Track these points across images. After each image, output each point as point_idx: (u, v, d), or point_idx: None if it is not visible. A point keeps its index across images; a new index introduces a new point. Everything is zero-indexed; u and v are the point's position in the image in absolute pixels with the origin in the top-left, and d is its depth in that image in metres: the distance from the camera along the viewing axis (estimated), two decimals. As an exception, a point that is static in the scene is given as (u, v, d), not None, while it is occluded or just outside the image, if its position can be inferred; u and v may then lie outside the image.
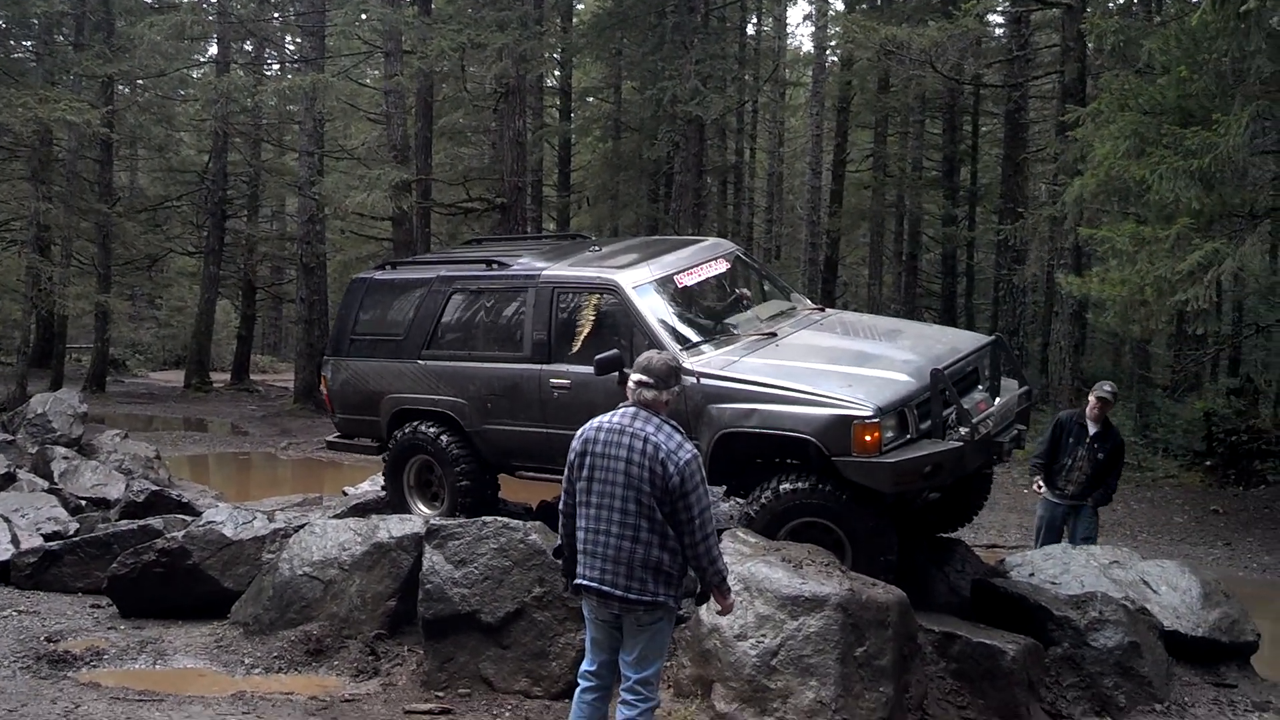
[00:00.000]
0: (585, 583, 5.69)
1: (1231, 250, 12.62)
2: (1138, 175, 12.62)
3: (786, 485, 7.77)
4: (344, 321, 10.07)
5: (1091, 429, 10.12)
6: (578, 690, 5.84)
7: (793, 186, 41.89)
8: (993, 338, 9.00)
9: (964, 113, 31.61)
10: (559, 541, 6.00)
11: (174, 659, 8.60)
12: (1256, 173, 14.74)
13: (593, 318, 8.64)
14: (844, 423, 7.44)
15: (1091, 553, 9.24)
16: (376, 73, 31.99)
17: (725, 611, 6.01)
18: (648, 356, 5.80)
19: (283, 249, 36.13)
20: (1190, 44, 12.78)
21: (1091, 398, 10.18)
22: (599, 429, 5.72)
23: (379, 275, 10.14)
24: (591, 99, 35.25)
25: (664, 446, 5.54)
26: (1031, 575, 8.87)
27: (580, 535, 5.72)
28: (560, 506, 5.92)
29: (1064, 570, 8.84)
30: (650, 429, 5.60)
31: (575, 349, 8.63)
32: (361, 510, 9.83)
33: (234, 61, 32.46)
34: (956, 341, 8.78)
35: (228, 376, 34.32)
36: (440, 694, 7.68)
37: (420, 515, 9.47)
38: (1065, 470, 10.17)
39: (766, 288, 9.66)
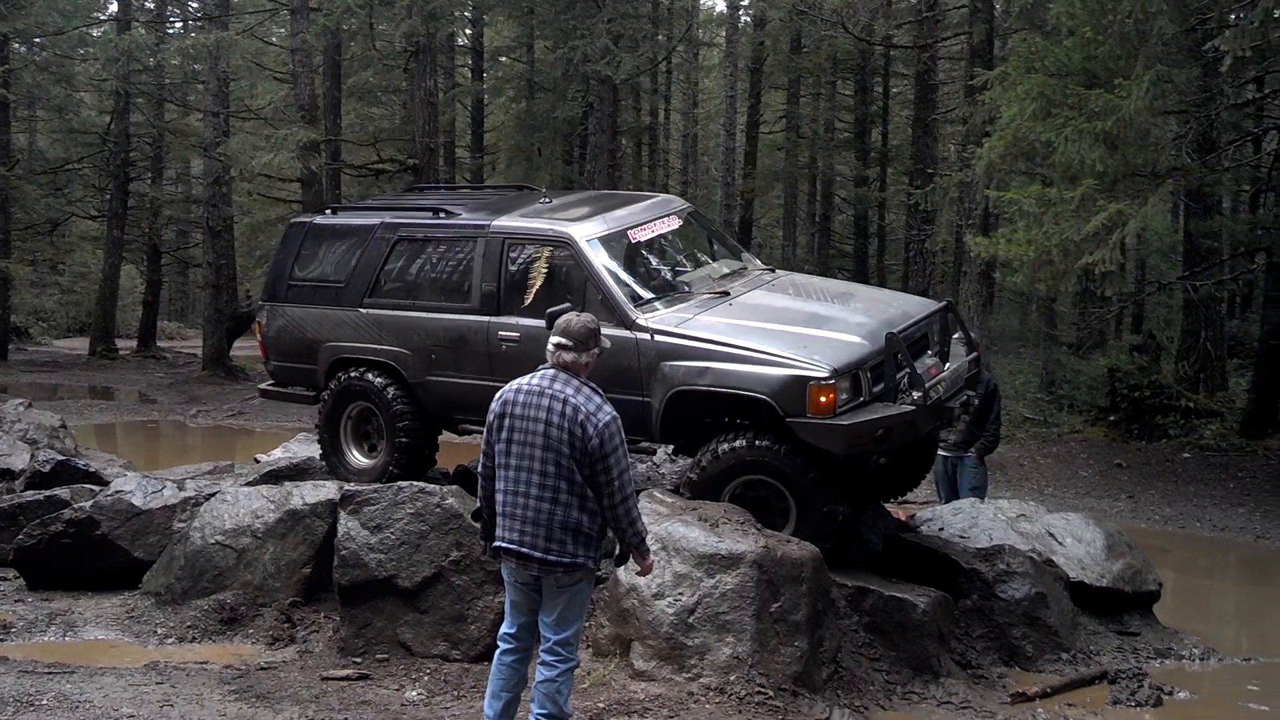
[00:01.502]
0: (504, 545, 5.68)
1: (1135, 211, 12.90)
2: (1044, 137, 12.83)
3: (740, 442, 7.73)
4: (281, 266, 9.79)
5: None
6: (497, 653, 5.85)
7: (707, 148, 41.90)
8: (943, 303, 9.03)
9: (875, 74, 31.86)
10: (477, 504, 5.99)
11: (84, 630, 8.48)
12: (1158, 133, 15.05)
13: (545, 270, 8.52)
14: (799, 383, 7.45)
15: (999, 506, 9.46)
16: (283, 30, 31.32)
17: (645, 572, 6.05)
18: (566, 319, 5.78)
19: (188, 212, 35.39)
20: (1096, 5, 12.99)
21: None
22: (518, 391, 5.71)
23: (319, 220, 9.90)
24: (504, 58, 34.84)
25: (583, 409, 5.55)
26: (941, 530, 9.05)
27: (499, 498, 5.71)
28: (479, 469, 5.90)
29: (973, 524, 9.03)
30: (570, 391, 5.60)
31: (526, 302, 8.51)
32: (274, 477, 9.69)
33: (135, 19, 31.52)
34: (908, 306, 8.84)
35: (134, 343, 33.59)
36: (358, 660, 7.66)
37: (355, 465, 9.33)
38: None
39: (716, 247, 9.63)
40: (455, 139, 33.02)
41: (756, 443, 7.67)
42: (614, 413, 5.62)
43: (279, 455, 10.82)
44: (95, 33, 34.88)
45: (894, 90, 33.81)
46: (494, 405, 5.76)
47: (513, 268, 8.67)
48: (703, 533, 7.34)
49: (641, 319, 8.04)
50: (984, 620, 8.31)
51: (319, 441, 9.73)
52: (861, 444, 7.59)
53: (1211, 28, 13.98)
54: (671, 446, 8.65)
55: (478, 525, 6.09)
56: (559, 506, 5.58)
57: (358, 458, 9.45)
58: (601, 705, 6.72)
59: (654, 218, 9.11)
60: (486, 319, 8.66)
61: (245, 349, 28.70)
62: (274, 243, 30.42)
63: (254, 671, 7.54)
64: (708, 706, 6.68)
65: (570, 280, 8.41)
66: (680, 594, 7.13)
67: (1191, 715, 7.66)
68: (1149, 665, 8.40)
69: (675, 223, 9.25)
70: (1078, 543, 9.23)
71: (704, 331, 7.94)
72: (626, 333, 8.01)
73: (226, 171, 26.03)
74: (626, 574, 7.12)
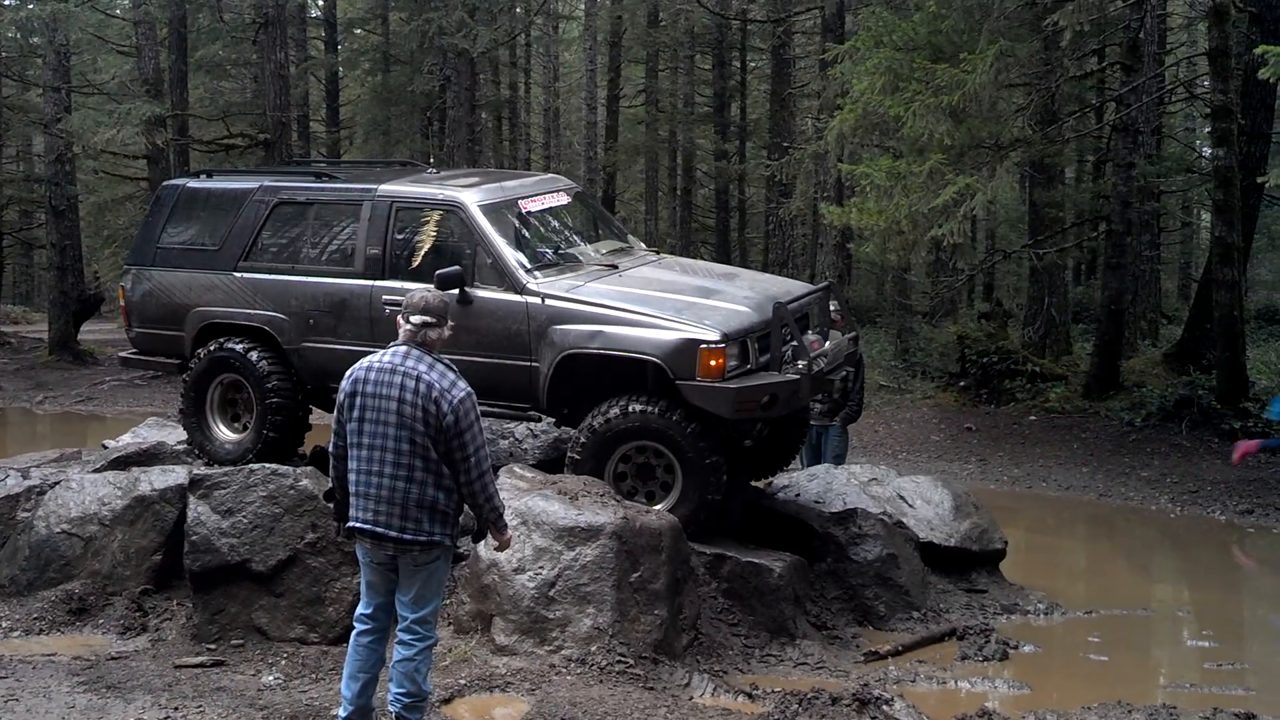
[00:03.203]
0: (359, 525, 5.64)
1: (982, 184, 13.29)
2: (893, 111, 13.11)
3: (631, 407, 7.78)
4: (150, 229, 9.52)
5: None
6: (354, 633, 5.80)
7: (569, 122, 41.71)
8: (825, 284, 9.33)
9: (732, 48, 32.07)
10: (330, 485, 5.92)
11: (-79, 628, 8.14)
12: (1004, 105, 15.50)
13: (434, 234, 8.51)
14: (690, 346, 7.60)
15: (852, 472, 9.70)
16: (125, 2, 30.23)
17: (502, 548, 6.06)
18: (423, 295, 5.75)
19: (30, 191, 33.98)
20: (941, -20, 13.33)
21: None
22: (369, 369, 5.66)
23: (193, 183, 9.68)
24: (359, 30, 34.18)
25: (437, 385, 5.52)
26: (797, 496, 9.24)
27: (352, 477, 5.66)
28: (331, 449, 5.84)
29: (827, 489, 9.24)
30: (423, 368, 5.57)
31: (413, 266, 8.48)
32: (123, 463, 9.39)
33: (-35, -11, 30.10)
34: (790, 286, 9.09)
35: (-26, 328, 32.20)
36: (212, 646, 7.53)
37: (222, 440, 9.04)
38: None
39: (601, 229, 9.66)
40: (310, 113, 32.34)
41: (646, 408, 7.77)
42: (468, 388, 5.61)
43: (128, 440, 10.49)
44: (-78, 4, 33.19)
45: (751, 65, 34.10)
46: (344, 384, 5.71)
47: (400, 232, 8.61)
48: (562, 506, 7.39)
49: (532, 284, 8.11)
50: (838, 582, 8.54)
51: (181, 415, 9.39)
52: (748, 409, 7.74)
53: (1050, 2, 14.43)
54: (539, 421, 8.69)
55: (331, 506, 6.02)
56: (414, 484, 5.55)
57: (225, 433, 9.14)
58: (463, 681, 6.73)
59: (543, 192, 9.19)
60: (370, 283, 8.55)
61: (93, 332, 27.76)
62: (121, 222, 29.55)
63: (104, 662, 7.36)
64: (569, 678, 6.74)
65: (460, 246, 8.42)
66: (541, 567, 7.17)
67: (1036, 668, 7.97)
68: (996, 621, 8.72)
69: (564, 199, 9.34)
70: (927, 504, 9.54)
71: (596, 297, 8.06)
72: (516, 297, 8.10)
73: (69, 149, 25.05)
74: (487, 550, 7.13)
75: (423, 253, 8.49)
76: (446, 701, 6.50)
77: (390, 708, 5.70)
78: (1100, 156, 23.38)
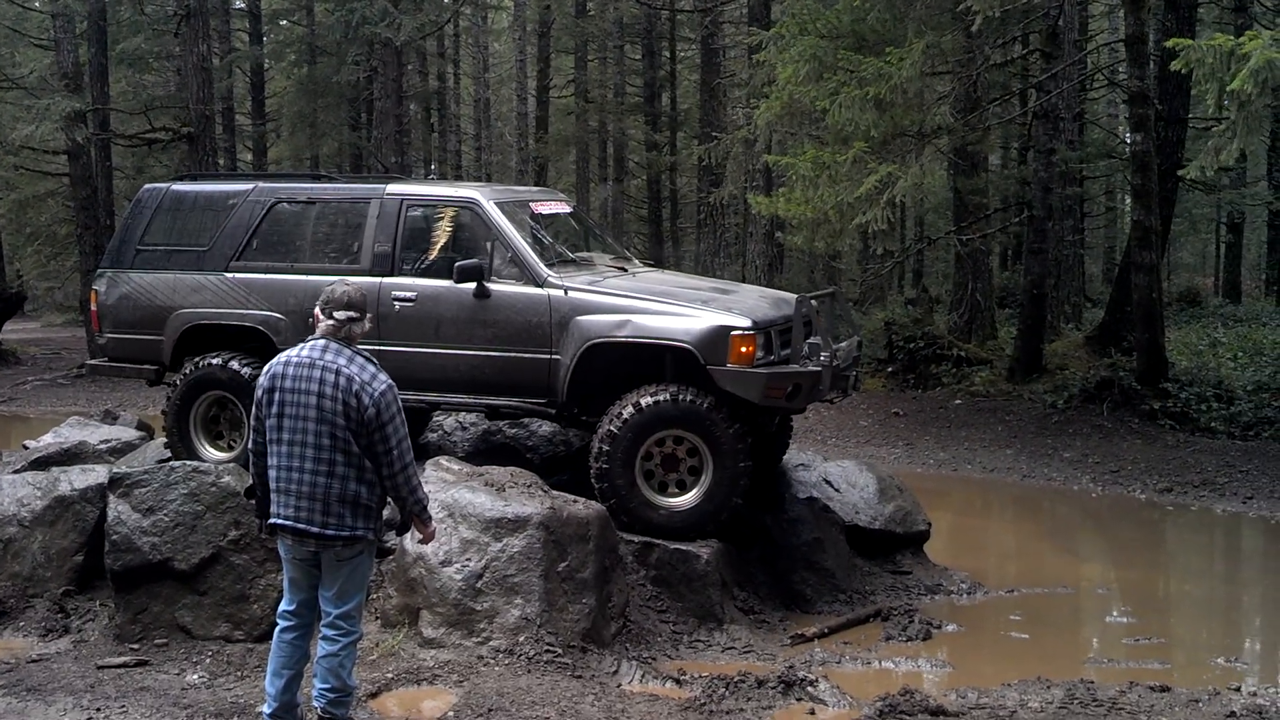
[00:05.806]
0: (280, 521, 5.59)
1: (903, 173, 13.44)
2: (819, 104, 13.22)
3: (664, 396, 7.83)
4: (129, 232, 9.34)
5: None
6: (277, 630, 5.76)
7: (500, 113, 41.55)
8: (830, 289, 9.55)
9: (661, 38, 32.13)
10: (251, 481, 5.87)
11: None
12: (928, 94, 15.67)
13: (449, 230, 8.59)
14: (723, 333, 7.75)
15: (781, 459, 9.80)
16: (43, -6, 29.62)
17: (427, 540, 6.05)
18: (333, 288, 5.69)
19: (-53, 188, 33.23)
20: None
21: None
22: (287, 363, 5.61)
23: (179, 185, 9.53)
24: (284, 21, 33.78)
25: (357, 378, 5.49)
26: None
27: (273, 474, 5.61)
28: (250, 445, 5.78)
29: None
30: (342, 361, 5.53)
31: (426, 262, 8.53)
32: (43, 463, 9.26)
33: (-124, -19, 29.28)
34: (789, 297, 9.18)
35: (-108, 329, 31.41)
36: (135, 646, 7.43)
37: (207, 459, 8.75)
38: None
39: (595, 243, 9.73)
40: (235, 106, 31.92)
41: (680, 395, 7.83)
42: (389, 381, 5.59)
43: (49, 440, 10.32)
44: None
45: (681, 54, 34.17)
46: (262, 379, 5.66)
47: (411, 229, 8.63)
48: (489, 497, 7.40)
49: (553, 278, 8.20)
50: (766, 567, 8.63)
51: (166, 436, 9.16)
52: (776, 395, 7.85)
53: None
54: (553, 418, 8.69)
55: (253, 503, 5.97)
56: (335, 479, 5.52)
57: (209, 450, 8.93)
58: (390, 675, 6.73)
59: (549, 199, 9.43)
60: (378, 280, 8.49)
61: (16, 332, 27.25)
62: (44, 219, 28.95)
63: (25, 665, 7.24)
64: (497, 669, 6.76)
65: (476, 241, 8.48)
66: (468, 559, 7.17)
67: (960, 647, 8.10)
68: (920, 601, 8.87)
69: (566, 208, 9.59)
70: (852, 488, 9.66)
71: (619, 290, 8.21)
72: (537, 290, 8.18)
73: (-14, 145, 24.59)
74: (414, 543, 7.12)
75: (436, 249, 8.55)
76: (374, 695, 6.48)
77: (315, 703, 5.68)
78: (1023, 143, 23.71)
